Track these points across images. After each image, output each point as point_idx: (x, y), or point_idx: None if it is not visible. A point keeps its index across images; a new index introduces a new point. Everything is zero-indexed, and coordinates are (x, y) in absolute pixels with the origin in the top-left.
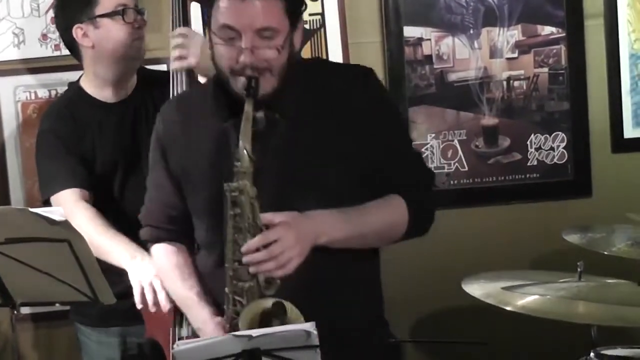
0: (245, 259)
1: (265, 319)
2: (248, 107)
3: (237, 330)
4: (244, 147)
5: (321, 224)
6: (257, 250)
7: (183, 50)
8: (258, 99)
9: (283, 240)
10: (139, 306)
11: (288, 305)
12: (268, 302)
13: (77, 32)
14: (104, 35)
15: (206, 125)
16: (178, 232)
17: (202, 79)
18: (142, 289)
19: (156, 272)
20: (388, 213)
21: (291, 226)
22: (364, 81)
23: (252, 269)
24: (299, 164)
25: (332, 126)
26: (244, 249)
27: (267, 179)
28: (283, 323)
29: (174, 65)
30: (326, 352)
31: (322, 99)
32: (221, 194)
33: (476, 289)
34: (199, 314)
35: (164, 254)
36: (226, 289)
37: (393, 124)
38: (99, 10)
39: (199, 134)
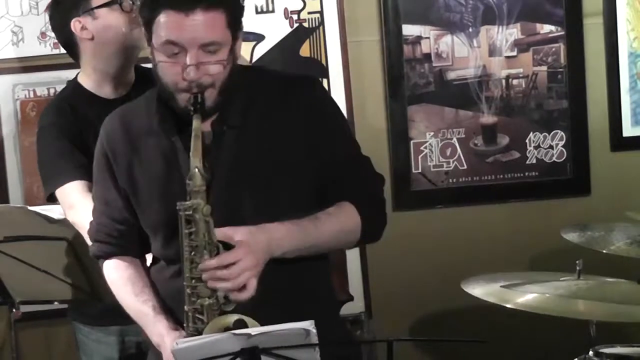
0: (204, 276)
1: None
2: (196, 124)
3: None
4: (195, 166)
5: (275, 237)
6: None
7: None
8: (204, 112)
9: (243, 262)
10: None
11: (249, 320)
12: (229, 319)
13: (75, 25)
14: (103, 25)
15: (152, 142)
16: (129, 246)
17: None
18: None
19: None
20: (340, 221)
21: (250, 247)
22: (305, 89)
23: (210, 284)
24: (248, 174)
25: (278, 135)
26: (200, 267)
27: (217, 191)
28: None
29: None
30: None
31: (265, 107)
32: (173, 210)
33: (475, 287)
34: (156, 329)
35: (115, 268)
36: (185, 307)
37: (337, 131)
38: (95, 2)
39: (145, 150)
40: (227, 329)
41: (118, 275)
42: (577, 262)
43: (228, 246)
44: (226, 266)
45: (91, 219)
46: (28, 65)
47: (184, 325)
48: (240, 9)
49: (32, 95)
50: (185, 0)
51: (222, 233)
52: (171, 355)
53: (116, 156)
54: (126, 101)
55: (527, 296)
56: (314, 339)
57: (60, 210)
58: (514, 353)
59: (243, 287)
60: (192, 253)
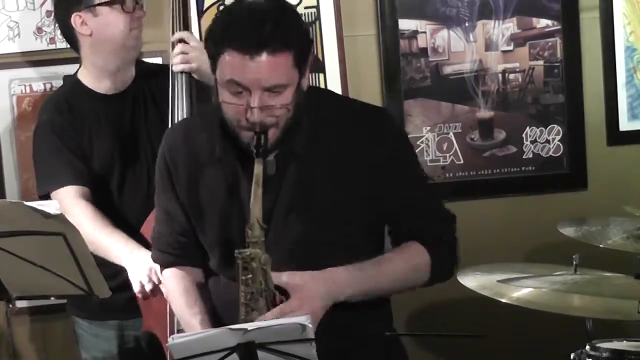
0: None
1: None
2: (258, 170)
3: None
4: (255, 217)
5: (337, 283)
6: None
7: (185, 56)
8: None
9: (298, 312)
10: (139, 299)
11: None
12: None
13: (75, 20)
14: (102, 23)
15: (214, 165)
16: (189, 256)
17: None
18: (142, 286)
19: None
20: (406, 263)
21: (305, 295)
22: (378, 122)
23: None
24: (309, 206)
25: (344, 167)
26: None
27: (277, 222)
28: None
29: (176, 68)
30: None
31: (333, 137)
32: (231, 234)
33: (472, 281)
34: None
35: (173, 278)
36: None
37: (409, 168)
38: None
39: (207, 172)
40: None
41: (175, 285)
42: (573, 256)
43: (283, 291)
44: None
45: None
46: (24, 60)
47: None
48: (309, 46)
49: (28, 90)
50: (252, 43)
51: (281, 278)
52: None
53: (177, 170)
54: (125, 97)
55: (523, 290)
56: (310, 334)
57: (56, 206)
58: (510, 347)
59: None
60: (248, 298)
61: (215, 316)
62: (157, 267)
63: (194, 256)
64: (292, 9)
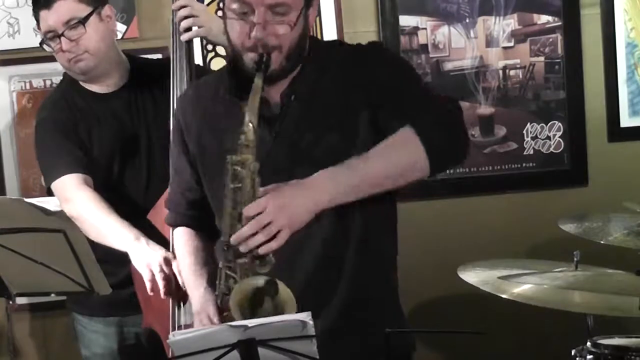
0: (231, 240)
1: (256, 297)
2: (257, 81)
3: (227, 306)
4: (250, 120)
5: (318, 185)
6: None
7: (190, 21)
8: (267, 75)
9: (268, 211)
10: (149, 291)
11: (281, 284)
12: (260, 280)
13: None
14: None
15: (221, 105)
16: (198, 218)
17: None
18: (152, 274)
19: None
20: (396, 150)
21: (275, 196)
22: (372, 56)
23: (242, 248)
24: (310, 146)
25: (345, 107)
26: (235, 238)
27: (278, 160)
28: (274, 302)
29: (184, 36)
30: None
31: (334, 80)
32: None
33: (473, 278)
34: (204, 305)
35: (182, 238)
36: (220, 264)
37: (412, 87)
38: (42, 34)
39: (214, 114)
40: (257, 289)
41: (182, 245)
42: (574, 252)
43: None
44: (254, 218)
45: (88, 207)
46: (24, 57)
47: (217, 282)
48: None
49: (28, 87)
50: None
51: (263, 191)
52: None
53: (188, 126)
54: (121, 95)
55: (524, 287)
56: (311, 331)
57: (56, 202)
58: (510, 343)
59: (273, 237)
60: (234, 209)
61: None
62: (172, 260)
63: (202, 217)
64: None
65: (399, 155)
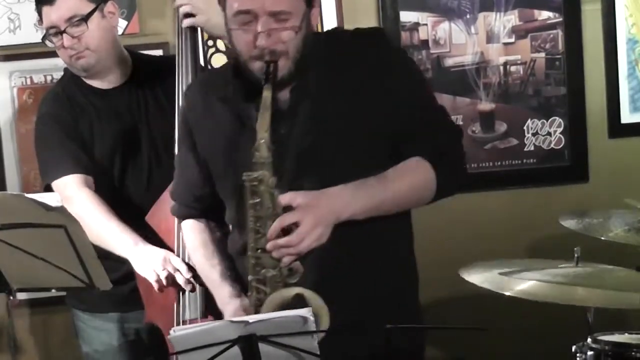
0: (268, 246)
1: (288, 309)
2: (267, 94)
3: None
4: (262, 137)
5: (340, 199)
6: (278, 235)
7: (188, 7)
8: (276, 82)
9: (303, 226)
10: (158, 291)
11: (310, 294)
12: (290, 292)
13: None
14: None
15: (228, 109)
16: (205, 210)
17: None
18: (157, 275)
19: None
20: (409, 175)
21: (309, 209)
22: (373, 41)
23: (274, 254)
24: (322, 142)
25: (352, 98)
26: (268, 235)
27: (289, 159)
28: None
29: (184, 23)
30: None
31: (338, 70)
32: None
33: (473, 274)
34: (220, 294)
35: (191, 230)
36: (249, 277)
37: (408, 81)
38: (44, 29)
39: (222, 118)
40: (287, 301)
41: (192, 238)
42: (575, 249)
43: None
44: (287, 232)
45: (88, 209)
46: (25, 52)
47: (248, 294)
48: None
49: (28, 82)
50: None
51: (284, 198)
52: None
53: (196, 125)
54: (122, 90)
55: (525, 283)
56: (312, 326)
57: (57, 198)
58: (511, 340)
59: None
60: (257, 224)
61: (234, 269)
62: (170, 256)
63: (209, 210)
64: None
65: (413, 186)
